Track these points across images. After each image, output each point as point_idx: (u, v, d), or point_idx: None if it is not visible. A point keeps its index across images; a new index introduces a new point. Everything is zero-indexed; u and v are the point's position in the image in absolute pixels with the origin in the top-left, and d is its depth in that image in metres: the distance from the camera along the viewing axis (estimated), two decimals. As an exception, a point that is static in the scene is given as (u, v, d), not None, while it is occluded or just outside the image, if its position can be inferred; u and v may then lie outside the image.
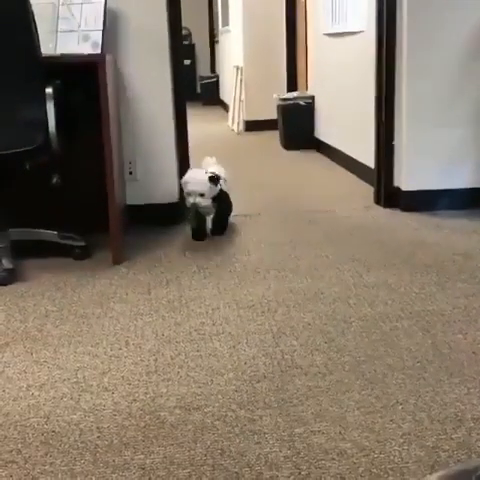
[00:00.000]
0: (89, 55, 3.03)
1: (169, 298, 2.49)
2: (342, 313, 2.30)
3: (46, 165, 2.85)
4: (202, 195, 3.17)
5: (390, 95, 3.68)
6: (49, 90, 2.70)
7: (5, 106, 2.67)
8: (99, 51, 3.17)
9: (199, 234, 3.28)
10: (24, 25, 2.58)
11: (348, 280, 2.63)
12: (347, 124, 4.95)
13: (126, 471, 1.47)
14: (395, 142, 3.70)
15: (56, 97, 2.71)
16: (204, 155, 3.63)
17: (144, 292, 2.58)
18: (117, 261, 2.91)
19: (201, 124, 8.02)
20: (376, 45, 3.75)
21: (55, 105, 2.71)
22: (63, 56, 3.01)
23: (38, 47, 2.65)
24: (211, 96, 11.06)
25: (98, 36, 3.21)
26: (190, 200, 3.18)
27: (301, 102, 6.07)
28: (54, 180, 2.93)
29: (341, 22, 5.03)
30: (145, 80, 3.44)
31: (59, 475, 1.46)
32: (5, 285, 2.67)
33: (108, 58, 2.89)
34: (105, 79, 2.76)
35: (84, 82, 2.91)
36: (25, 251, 2.94)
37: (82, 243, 3.00)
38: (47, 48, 3.06)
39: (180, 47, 3.60)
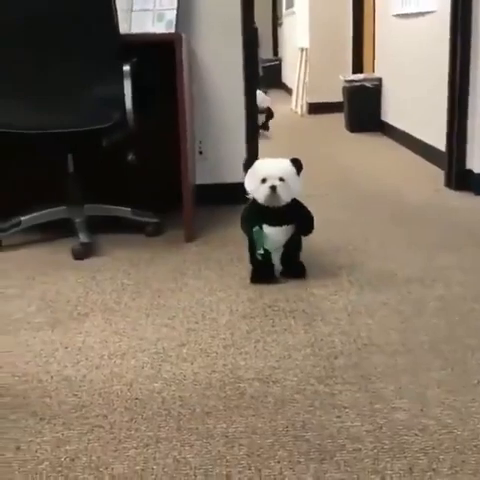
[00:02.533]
0: (166, 34, 3.06)
1: (241, 275, 2.50)
2: (417, 294, 2.29)
3: (122, 142, 2.90)
4: (282, 180, 2.34)
5: (464, 76, 3.61)
6: (126, 68, 2.73)
7: (83, 83, 2.73)
8: (173, 30, 3.20)
9: (264, 272, 2.44)
10: (104, 2, 2.62)
11: (421, 261, 2.61)
12: (416, 106, 4.87)
13: (210, 439, 1.50)
14: (468, 123, 3.62)
15: (133, 75, 2.75)
16: (268, 138, 3.61)
17: (216, 269, 2.61)
18: (189, 239, 2.95)
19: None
20: (450, 25, 3.67)
21: (132, 83, 2.75)
22: (140, 34, 3.05)
23: (117, 25, 2.69)
24: (273, 79, 11.01)
25: (172, 15, 3.24)
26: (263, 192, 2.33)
27: (368, 84, 6.00)
28: (129, 157, 2.98)
29: (412, 3, 4.94)
30: (217, 60, 3.46)
31: (145, 440, 1.50)
32: (82, 259, 2.73)
33: (183, 37, 2.91)
34: (182, 58, 2.78)
35: (159, 61, 2.94)
36: (100, 227, 3.00)
37: (155, 220, 3.05)
38: (122, 27, 3.10)
39: (252, 29, 3.60)
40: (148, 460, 1.42)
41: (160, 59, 2.93)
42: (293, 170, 2.37)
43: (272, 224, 2.37)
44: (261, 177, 2.34)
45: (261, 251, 2.37)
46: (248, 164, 2.42)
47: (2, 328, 2.13)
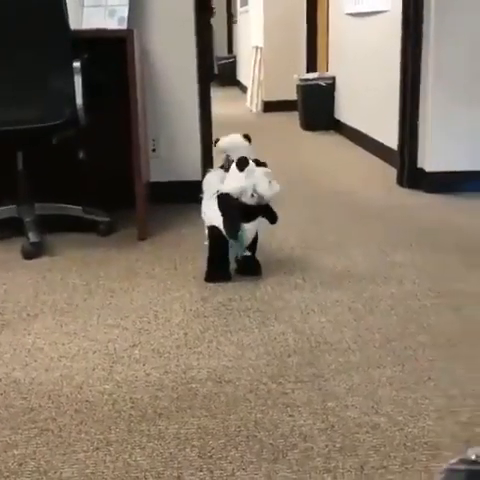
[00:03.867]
0: (118, 30, 3.02)
1: (195, 274, 2.49)
2: (370, 291, 2.30)
3: (72, 140, 2.85)
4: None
5: (415, 75, 3.65)
6: (77, 64, 2.69)
7: (33, 80, 2.67)
8: (125, 27, 3.16)
9: (220, 270, 2.44)
10: (54, -2, 2.58)
11: (374, 259, 2.63)
12: (369, 105, 4.92)
13: (161, 440, 1.48)
14: (419, 122, 3.67)
15: (84, 71, 2.71)
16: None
17: (170, 268, 2.59)
18: (142, 237, 2.92)
19: (219, 104, 7.98)
20: (402, 25, 3.71)
21: (83, 79, 2.71)
22: (92, 30, 3.00)
23: (67, 20, 2.65)
24: (228, 77, 11.02)
25: (124, 12, 3.20)
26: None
27: (321, 83, 6.03)
28: (80, 155, 2.94)
29: (365, 2, 4.98)
30: (170, 57, 3.43)
31: (95, 443, 1.47)
32: (31, 259, 2.68)
33: (135, 34, 2.87)
34: (133, 54, 2.75)
35: (110, 57, 2.90)
36: (51, 225, 2.94)
37: (107, 219, 3.01)
38: (73, 22, 3.05)
39: (206, 25, 3.58)
40: (98, 463, 1.40)
41: (111, 56, 2.90)
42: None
43: (248, 220, 2.37)
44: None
45: (246, 253, 2.43)
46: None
47: None
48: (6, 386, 1.72)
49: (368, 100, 4.95)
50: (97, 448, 1.45)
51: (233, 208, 2.37)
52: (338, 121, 5.88)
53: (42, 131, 2.72)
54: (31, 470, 1.38)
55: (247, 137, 2.67)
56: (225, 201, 2.39)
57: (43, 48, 2.66)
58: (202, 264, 2.47)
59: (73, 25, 2.83)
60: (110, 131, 3.17)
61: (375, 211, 3.33)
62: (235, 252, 2.42)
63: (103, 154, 3.23)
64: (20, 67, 2.68)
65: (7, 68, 2.67)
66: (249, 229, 2.38)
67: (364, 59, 5.05)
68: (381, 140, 4.54)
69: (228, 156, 2.59)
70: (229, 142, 2.65)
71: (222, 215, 2.38)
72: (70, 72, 2.68)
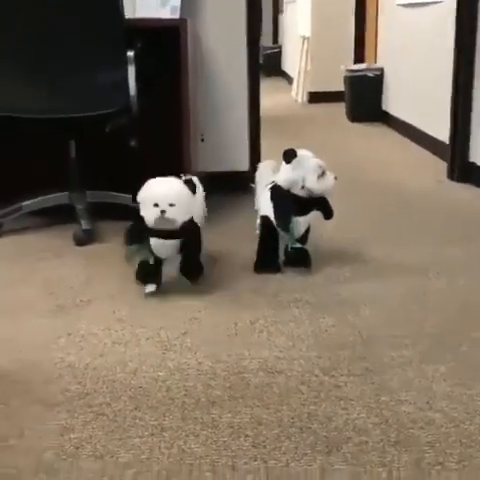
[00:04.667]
0: (171, 19, 3.03)
1: (244, 265, 2.48)
2: (422, 285, 2.28)
3: (124, 128, 2.87)
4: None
5: (469, 68, 3.59)
6: (130, 53, 2.71)
7: (88, 69, 2.70)
8: (178, 16, 3.17)
9: (269, 262, 2.43)
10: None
11: (426, 252, 2.60)
12: (419, 97, 4.85)
13: (215, 429, 1.49)
14: (472, 114, 3.60)
15: (137, 61, 2.72)
16: (269, 125, 3.57)
17: (218, 256, 2.59)
18: (190, 226, 2.93)
19: (264, 94, 7.94)
20: (456, 15, 3.65)
21: (136, 68, 2.72)
22: (145, 19, 3.01)
23: (122, 10, 2.66)
24: (273, 67, 10.97)
25: (177, 1, 3.21)
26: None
27: (369, 74, 5.97)
28: (131, 143, 2.95)
29: (417, -8, 4.91)
30: (221, 46, 3.43)
31: (149, 429, 1.49)
32: (83, 245, 2.72)
33: (188, 22, 2.88)
34: (186, 43, 2.76)
35: (163, 46, 2.92)
36: (101, 213, 2.97)
37: (156, 207, 3.03)
38: (126, 12, 3.07)
39: (257, 15, 3.57)
40: (153, 449, 1.41)
41: (164, 45, 2.91)
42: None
43: (301, 214, 2.35)
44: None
45: (297, 245, 2.38)
46: (291, 155, 2.35)
47: (5, 314, 2.12)
48: (61, 370, 1.75)
49: (418, 92, 4.88)
50: (152, 434, 1.47)
51: (285, 200, 2.36)
52: (386, 113, 5.82)
53: (95, 119, 2.74)
54: (88, 454, 1.41)
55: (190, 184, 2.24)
56: (277, 193, 2.38)
57: (98, 37, 2.68)
58: (251, 255, 2.47)
59: (126, 14, 2.85)
60: (161, 120, 3.18)
61: (425, 205, 3.29)
62: (285, 244, 2.42)
63: (153, 143, 3.24)
64: (74, 55, 2.70)
65: (62, 57, 2.69)
66: (301, 222, 2.36)
67: (415, 50, 4.98)
68: (431, 133, 4.48)
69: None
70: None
71: (273, 207, 2.37)
72: (124, 61, 2.70)
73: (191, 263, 2.27)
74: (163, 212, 2.11)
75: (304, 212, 2.37)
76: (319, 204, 2.39)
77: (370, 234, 2.85)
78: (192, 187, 2.22)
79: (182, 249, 2.22)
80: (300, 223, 2.37)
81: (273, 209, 2.37)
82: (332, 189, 2.38)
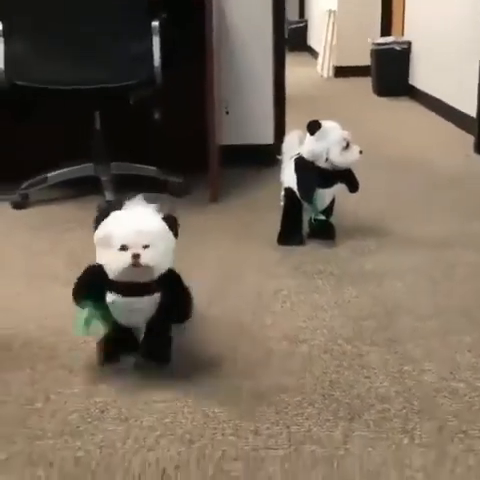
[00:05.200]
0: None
1: (267, 236, 2.48)
2: (448, 259, 2.26)
3: (149, 100, 2.87)
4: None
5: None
6: (155, 24, 2.70)
7: (112, 40, 2.70)
8: (202, -13, 3.14)
9: (293, 233, 2.41)
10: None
11: (453, 226, 2.57)
12: (446, 71, 4.77)
13: (238, 395, 1.50)
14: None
15: (162, 32, 2.71)
16: (294, 100, 3.53)
17: (242, 229, 2.60)
18: (214, 199, 2.93)
19: (288, 69, 7.87)
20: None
21: (160, 40, 2.71)
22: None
23: (146, -20, 2.65)
24: (298, 42, 10.85)
25: (202, -29, 3.17)
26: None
27: (397, 47, 5.89)
28: (156, 115, 2.95)
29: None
30: (246, 18, 3.40)
31: (174, 394, 1.50)
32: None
33: (213, -6, 2.85)
34: (211, 14, 2.73)
35: (188, 18, 2.90)
36: (125, 185, 2.98)
37: (180, 180, 3.04)
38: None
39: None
40: (177, 413, 1.43)
41: (189, 16, 2.89)
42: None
43: (325, 186, 2.33)
44: (344, 143, 2.28)
45: (320, 217, 2.35)
46: (315, 127, 2.31)
47: (31, 283, 2.14)
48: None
49: (445, 66, 4.80)
50: (176, 399, 1.48)
51: (308, 172, 2.34)
52: (413, 87, 5.74)
53: (120, 90, 2.74)
54: (112, 417, 1.43)
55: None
56: (301, 165, 2.37)
57: (122, 7, 2.67)
58: (275, 227, 2.46)
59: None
60: (185, 92, 3.17)
61: (452, 178, 3.25)
62: (309, 216, 2.41)
63: (177, 115, 3.24)
64: (99, 26, 2.70)
65: (86, 27, 2.70)
66: (325, 194, 2.35)
67: (442, 23, 4.89)
68: (459, 107, 4.41)
69: None
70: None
71: (297, 179, 2.36)
72: (148, 32, 2.69)
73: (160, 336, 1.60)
74: (136, 257, 1.47)
75: (328, 184, 2.35)
76: (344, 177, 2.38)
77: (395, 208, 2.83)
78: (173, 225, 1.57)
79: (159, 312, 1.56)
80: (324, 195, 2.36)
81: (296, 181, 2.36)
82: (356, 162, 2.36)
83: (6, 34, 2.69)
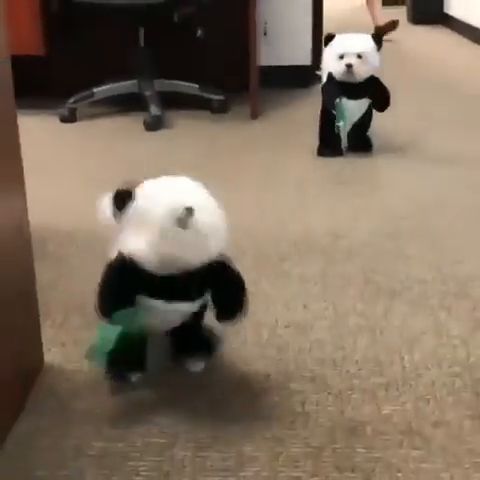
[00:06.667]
0: None
1: (308, 148, 2.57)
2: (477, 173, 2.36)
3: (192, 18, 2.94)
4: (360, 57, 2.35)
5: None
6: None
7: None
8: None
9: (332, 144, 2.47)
10: None
11: (486, 141, 2.65)
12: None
13: (287, 278, 1.63)
14: None
15: None
16: (332, 24, 3.55)
17: (283, 142, 2.70)
18: (255, 115, 3.02)
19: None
20: None
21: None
22: None
23: None
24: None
25: None
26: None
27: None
28: (198, 33, 3.02)
29: None
30: None
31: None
32: (154, 130, 2.84)
33: None
34: None
35: None
36: (168, 101, 3.08)
37: (221, 97, 3.12)
38: None
39: None
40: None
41: None
42: (373, 46, 2.35)
43: (351, 98, 2.40)
44: (339, 53, 2.36)
45: (340, 123, 2.40)
46: (328, 38, 2.43)
47: (86, 185, 2.27)
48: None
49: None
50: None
51: (330, 82, 2.44)
52: (447, 15, 5.69)
53: (164, 7, 2.81)
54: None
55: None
56: (328, 76, 2.45)
57: None
58: (315, 140, 2.55)
59: None
60: (227, 12, 3.23)
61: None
62: (343, 127, 2.46)
63: (219, 34, 3.30)
64: None
65: None
66: (352, 106, 2.41)
67: None
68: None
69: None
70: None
71: (321, 89, 2.49)
72: None
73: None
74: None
75: (353, 96, 2.41)
76: (371, 91, 2.43)
77: (433, 126, 2.90)
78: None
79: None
80: (351, 107, 2.41)
81: (321, 92, 2.45)
82: (363, 74, 2.38)
83: None
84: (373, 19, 5.31)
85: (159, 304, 1.15)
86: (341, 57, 2.36)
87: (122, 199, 1.12)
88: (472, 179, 2.26)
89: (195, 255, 1.11)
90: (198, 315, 1.23)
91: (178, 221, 1.08)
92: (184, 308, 1.18)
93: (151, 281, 1.13)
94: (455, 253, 1.74)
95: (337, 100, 2.38)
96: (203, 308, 1.22)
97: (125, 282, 1.15)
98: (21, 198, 1.22)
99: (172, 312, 1.17)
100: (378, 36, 2.41)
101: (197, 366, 1.27)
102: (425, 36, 5.43)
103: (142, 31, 3.00)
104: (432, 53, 4.66)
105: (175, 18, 2.89)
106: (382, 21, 5.22)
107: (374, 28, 5.05)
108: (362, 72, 2.37)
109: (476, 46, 4.77)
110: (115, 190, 1.13)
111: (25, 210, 1.23)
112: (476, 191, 2.15)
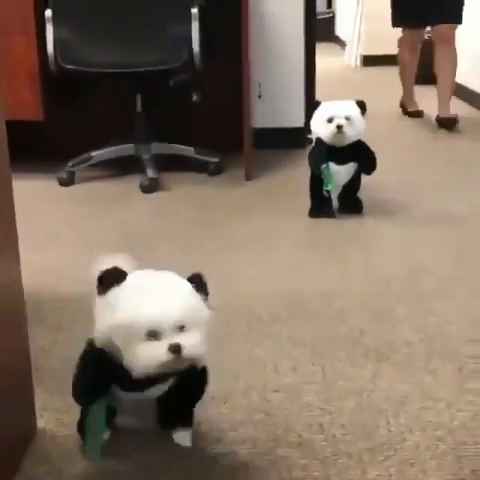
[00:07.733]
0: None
1: (299, 211, 2.62)
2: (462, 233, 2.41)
3: (187, 83, 3.04)
4: (348, 119, 2.42)
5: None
6: (195, 11, 2.86)
7: (154, 25, 2.87)
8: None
9: (323, 207, 2.55)
10: None
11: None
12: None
13: (277, 340, 1.66)
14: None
15: (201, 18, 2.88)
16: (322, 88, 3.67)
17: (276, 204, 2.76)
18: (249, 177, 3.09)
19: (317, 58, 8.00)
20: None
21: (199, 25, 2.88)
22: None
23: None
24: (326, 32, 10.93)
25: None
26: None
27: (428, 36, 5.97)
28: (194, 98, 3.12)
29: None
30: (279, 5, 3.54)
31: (219, 337, 1.67)
32: (150, 193, 2.91)
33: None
34: (247, 3, 2.89)
35: (224, 5, 3.06)
36: (164, 164, 3.15)
37: (216, 159, 3.20)
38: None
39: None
40: (220, 355, 1.59)
41: (225, 3, 3.05)
42: (358, 110, 2.45)
43: (338, 162, 2.47)
44: (327, 117, 2.43)
45: (329, 188, 2.48)
46: (315, 105, 2.53)
47: (82, 248, 2.32)
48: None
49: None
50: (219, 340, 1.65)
51: (317, 146, 2.52)
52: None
53: (161, 74, 2.92)
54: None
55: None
56: (316, 140, 2.54)
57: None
58: (308, 202, 2.61)
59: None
60: (222, 76, 3.33)
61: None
62: (333, 191, 2.52)
63: (214, 98, 3.40)
64: (141, 13, 2.87)
65: (129, 12, 2.87)
66: (339, 171, 2.47)
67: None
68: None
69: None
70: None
71: (308, 153, 2.57)
72: (188, 17, 2.85)
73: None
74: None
75: (340, 161, 2.47)
76: (358, 155, 2.49)
77: (422, 183, 2.97)
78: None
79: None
80: (338, 171, 2.48)
81: (308, 157, 2.55)
82: (352, 137, 2.43)
83: (55, 20, 2.88)
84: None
85: (130, 396, 1.21)
86: (330, 120, 2.44)
87: (108, 281, 1.13)
88: (460, 239, 2.31)
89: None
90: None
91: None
92: (156, 392, 1.22)
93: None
94: (442, 314, 1.78)
95: (324, 165, 2.46)
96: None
97: (98, 373, 1.18)
98: (15, 264, 1.24)
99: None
100: (361, 102, 2.49)
101: (185, 440, 1.29)
102: (418, 95, 5.57)
103: (139, 97, 3.09)
104: (428, 110, 4.78)
105: (171, 83, 2.99)
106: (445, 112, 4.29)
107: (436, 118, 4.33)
108: (351, 134, 2.44)
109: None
110: (103, 270, 1.14)
111: (19, 275, 1.26)
112: (463, 252, 2.20)
